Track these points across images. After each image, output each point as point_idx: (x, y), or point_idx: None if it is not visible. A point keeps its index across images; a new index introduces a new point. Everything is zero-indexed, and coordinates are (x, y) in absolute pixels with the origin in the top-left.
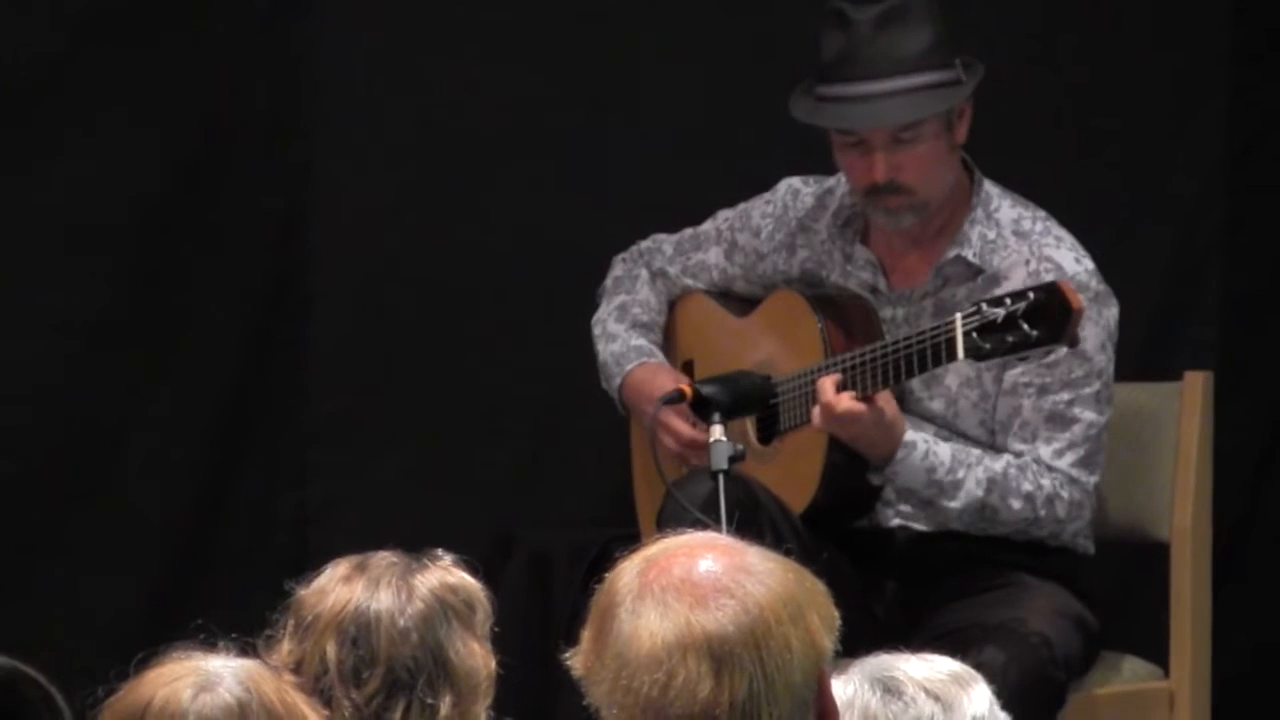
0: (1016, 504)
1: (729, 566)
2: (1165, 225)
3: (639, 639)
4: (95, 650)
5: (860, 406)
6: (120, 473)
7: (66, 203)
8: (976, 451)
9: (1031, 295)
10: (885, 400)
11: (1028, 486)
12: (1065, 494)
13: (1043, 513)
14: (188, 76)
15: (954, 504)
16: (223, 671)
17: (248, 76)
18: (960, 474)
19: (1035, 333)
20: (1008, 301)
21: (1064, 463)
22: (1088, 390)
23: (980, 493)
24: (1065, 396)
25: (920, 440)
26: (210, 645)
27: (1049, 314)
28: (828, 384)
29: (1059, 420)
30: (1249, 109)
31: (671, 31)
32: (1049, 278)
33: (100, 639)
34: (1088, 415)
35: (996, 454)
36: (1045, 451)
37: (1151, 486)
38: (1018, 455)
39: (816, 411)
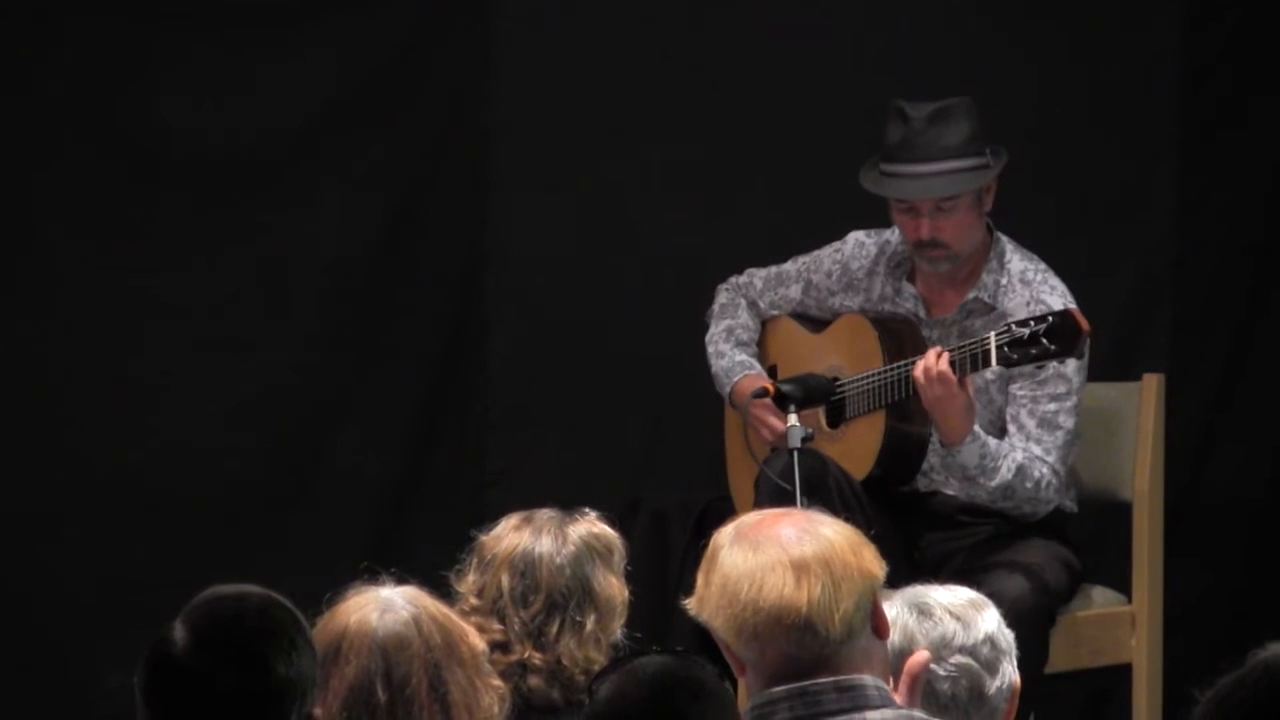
0: (1029, 484)
1: (804, 524)
2: (1129, 262)
3: (737, 565)
4: (325, 585)
5: (954, 376)
6: (343, 452)
7: (302, 248)
8: (1007, 445)
9: (1051, 318)
10: (969, 387)
11: (1036, 474)
12: (1053, 481)
13: (1040, 493)
14: (394, 148)
15: (991, 483)
16: (394, 596)
17: (442, 149)
18: (999, 462)
19: (1053, 347)
20: (1031, 323)
21: (1052, 459)
22: (1068, 404)
23: (1009, 476)
24: (1052, 407)
25: (980, 431)
26: (375, 579)
27: (1064, 333)
28: (931, 354)
29: (1048, 425)
30: (1193, 173)
31: (782, 120)
32: None
33: (328, 578)
34: (1068, 423)
35: (1014, 447)
36: (1037, 450)
37: (1119, 460)
38: (1024, 449)
39: (920, 368)
